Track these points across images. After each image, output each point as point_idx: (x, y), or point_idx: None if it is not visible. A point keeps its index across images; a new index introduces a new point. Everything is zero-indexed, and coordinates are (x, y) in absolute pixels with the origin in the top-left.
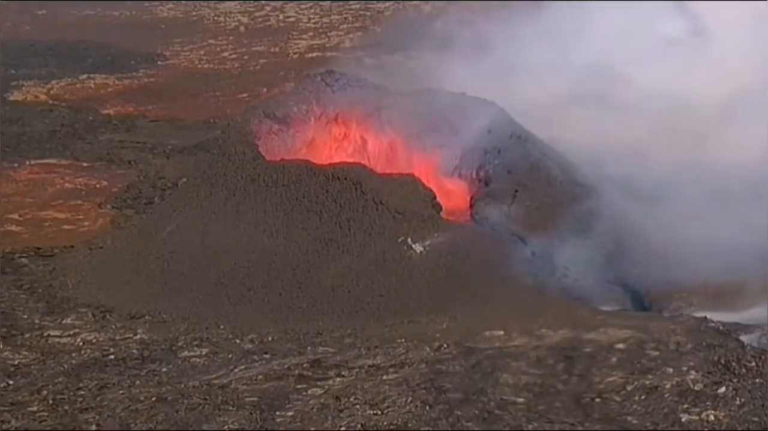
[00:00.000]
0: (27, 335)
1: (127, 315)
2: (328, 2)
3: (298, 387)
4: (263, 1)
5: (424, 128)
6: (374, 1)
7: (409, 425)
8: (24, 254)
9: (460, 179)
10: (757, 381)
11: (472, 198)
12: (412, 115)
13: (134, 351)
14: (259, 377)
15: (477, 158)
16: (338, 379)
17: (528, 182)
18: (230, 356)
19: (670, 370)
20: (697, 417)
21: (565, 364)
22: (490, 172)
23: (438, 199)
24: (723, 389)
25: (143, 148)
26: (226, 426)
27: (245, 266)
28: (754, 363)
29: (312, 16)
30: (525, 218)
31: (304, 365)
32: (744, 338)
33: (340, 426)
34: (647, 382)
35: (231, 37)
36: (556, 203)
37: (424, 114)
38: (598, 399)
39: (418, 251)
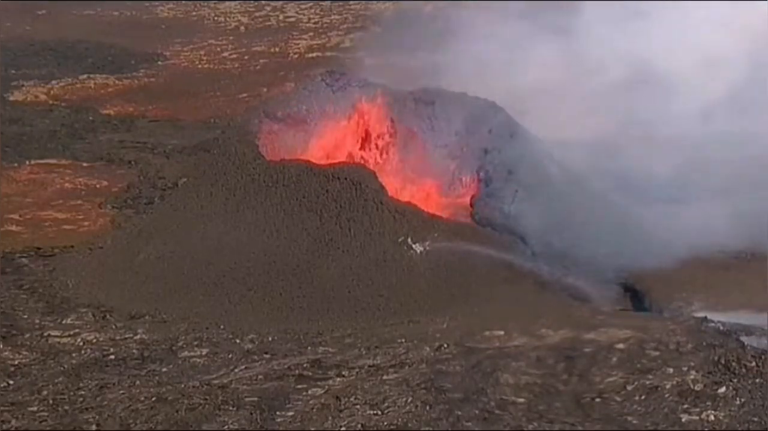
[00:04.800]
0: (27, 335)
1: (127, 315)
2: (329, 2)
3: (299, 387)
4: (263, 1)
5: (424, 127)
6: (374, 1)
7: (410, 425)
8: (24, 254)
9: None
10: (758, 381)
11: (472, 198)
12: (412, 115)
13: (134, 351)
14: (260, 377)
15: (477, 158)
16: (338, 379)
17: (528, 181)
18: (230, 356)
19: (671, 370)
20: (698, 417)
21: (565, 364)
22: (490, 172)
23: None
24: (723, 389)
25: (143, 148)
26: (226, 426)
27: (245, 266)
28: (754, 364)
29: (312, 16)
30: (525, 217)
31: (304, 365)
32: (744, 338)
33: (341, 427)
34: (647, 382)
35: (231, 37)
36: (556, 203)
37: (425, 114)
38: (598, 399)
39: (418, 251)
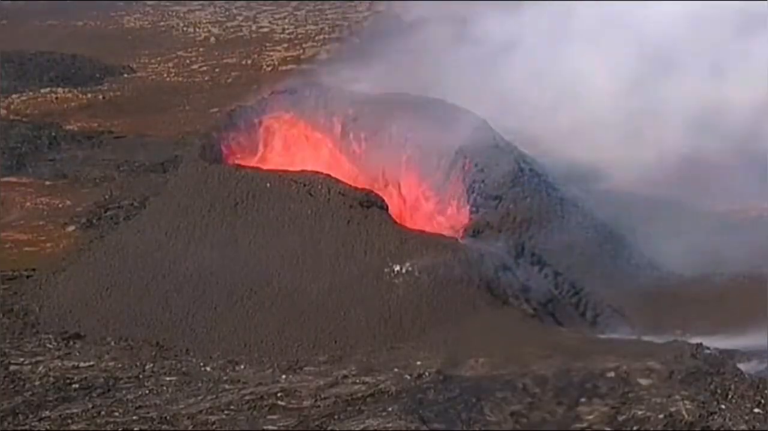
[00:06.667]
0: None
1: (92, 341)
2: (304, 12)
3: (271, 417)
4: (235, 11)
5: (400, 140)
6: (352, 11)
7: None
8: None
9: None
10: (756, 411)
11: (462, 230)
12: (387, 127)
13: (100, 379)
14: (230, 406)
15: (457, 176)
16: (313, 410)
17: (513, 204)
18: (200, 384)
19: (663, 400)
20: None
21: (552, 394)
22: (475, 195)
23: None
24: (719, 419)
25: (109, 165)
26: None
27: (216, 289)
28: (752, 392)
29: (286, 27)
30: (514, 243)
31: (278, 394)
32: (742, 365)
33: None
34: (639, 412)
35: (201, 49)
36: (543, 224)
37: (402, 125)
38: None
39: (402, 271)
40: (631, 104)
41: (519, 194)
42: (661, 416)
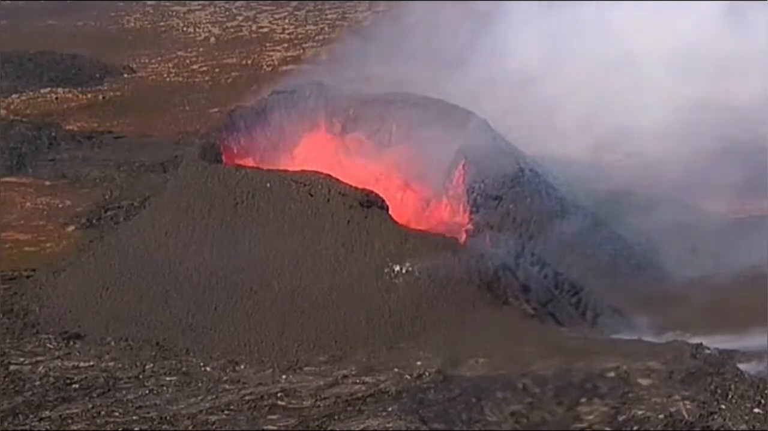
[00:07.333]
0: None
1: (92, 341)
2: (304, 12)
3: (271, 417)
4: (235, 11)
5: (400, 140)
6: (352, 11)
7: None
8: None
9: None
10: (756, 411)
11: (465, 230)
12: (387, 126)
13: (100, 379)
14: (231, 407)
15: (457, 176)
16: (314, 410)
17: (513, 204)
18: (200, 384)
19: (663, 400)
20: None
21: (553, 394)
22: (475, 195)
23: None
24: (719, 419)
25: (108, 165)
26: None
27: (215, 289)
28: (752, 392)
29: (287, 27)
30: (514, 243)
31: (278, 394)
32: (742, 365)
33: None
34: (639, 412)
35: (201, 49)
36: (543, 224)
37: (402, 125)
38: None
39: (402, 271)
40: None
41: (519, 194)
42: (661, 416)
